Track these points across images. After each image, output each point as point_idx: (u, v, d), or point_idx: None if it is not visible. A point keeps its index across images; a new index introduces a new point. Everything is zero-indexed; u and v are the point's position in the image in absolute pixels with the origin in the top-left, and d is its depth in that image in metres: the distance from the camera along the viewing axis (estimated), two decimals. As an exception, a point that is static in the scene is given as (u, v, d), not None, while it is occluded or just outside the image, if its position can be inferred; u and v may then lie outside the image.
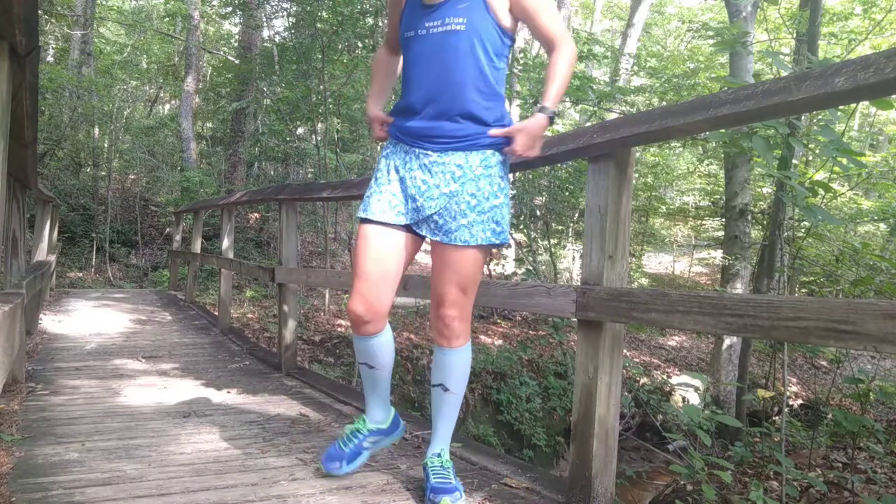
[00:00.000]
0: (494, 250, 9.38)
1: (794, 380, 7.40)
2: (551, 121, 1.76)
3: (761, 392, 4.51)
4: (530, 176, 7.86)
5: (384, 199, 1.84)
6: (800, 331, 1.32)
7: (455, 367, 1.90)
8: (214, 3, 14.20)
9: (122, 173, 13.07)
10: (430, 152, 1.81)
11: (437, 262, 1.85)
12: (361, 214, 1.86)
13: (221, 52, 15.21)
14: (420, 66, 1.80)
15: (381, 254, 1.84)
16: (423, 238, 1.89)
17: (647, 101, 11.26)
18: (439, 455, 1.94)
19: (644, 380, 7.03)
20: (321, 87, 8.42)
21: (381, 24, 8.46)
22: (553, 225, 9.56)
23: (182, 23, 14.84)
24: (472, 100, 1.77)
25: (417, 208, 1.81)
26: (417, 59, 1.80)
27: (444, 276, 1.83)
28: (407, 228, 1.86)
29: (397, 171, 1.85)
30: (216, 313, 6.11)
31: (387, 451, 2.42)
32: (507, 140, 1.80)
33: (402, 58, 1.93)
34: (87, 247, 10.73)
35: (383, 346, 1.95)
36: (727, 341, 6.34)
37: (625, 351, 5.65)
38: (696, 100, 1.61)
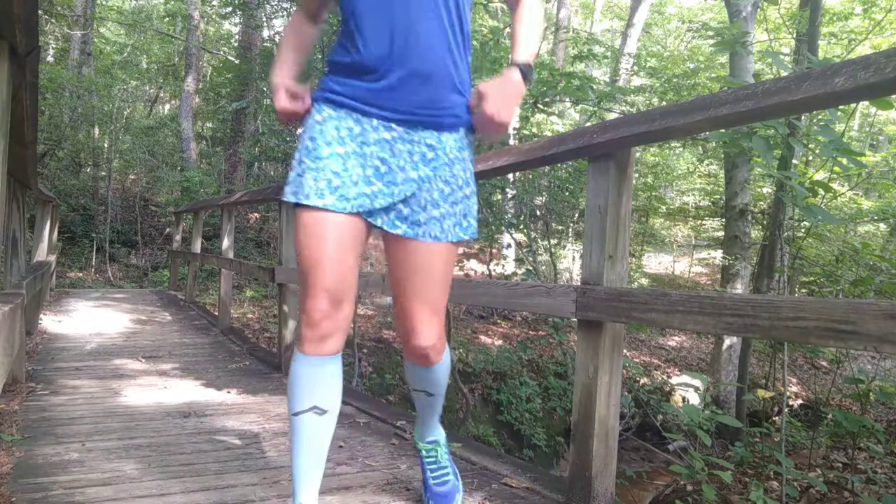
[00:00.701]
0: (494, 251, 9.39)
1: (794, 380, 7.40)
2: (526, 77, 1.44)
3: (761, 392, 4.51)
4: (530, 176, 7.86)
5: (323, 178, 1.40)
6: (800, 331, 1.32)
7: (439, 376, 1.68)
8: (214, 3, 14.20)
9: (122, 173, 13.07)
10: (393, 125, 1.43)
11: (401, 266, 1.49)
12: (294, 199, 1.42)
13: (221, 52, 15.22)
14: (376, 16, 1.41)
15: (335, 241, 1.42)
16: (370, 230, 1.51)
17: (647, 101, 11.26)
18: (433, 446, 1.82)
19: (644, 380, 7.03)
20: (321, 87, 8.40)
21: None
22: (553, 225, 9.56)
23: (182, 23, 14.85)
24: (448, 62, 1.43)
25: (373, 195, 1.42)
26: (372, 8, 1.41)
27: (411, 284, 1.49)
28: (355, 215, 1.44)
29: (342, 142, 1.42)
30: (216, 313, 6.11)
31: (387, 450, 2.42)
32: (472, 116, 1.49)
33: (321, 25, 1.64)
34: (87, 247, 10.73)
35: (339, 375, 1.49)
36: (727, 341, 6.34)
37: (625, 351, 5.65)
38: (696, 100, 1.61)
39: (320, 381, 1.45)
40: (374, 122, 1.43)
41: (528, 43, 1.48)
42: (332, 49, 1.52)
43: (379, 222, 1.45)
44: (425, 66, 1.41)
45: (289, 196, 1.44)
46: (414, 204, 1.44)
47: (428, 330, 1.53)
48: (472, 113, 1.48)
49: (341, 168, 1.41)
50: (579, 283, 1.96)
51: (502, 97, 1.40)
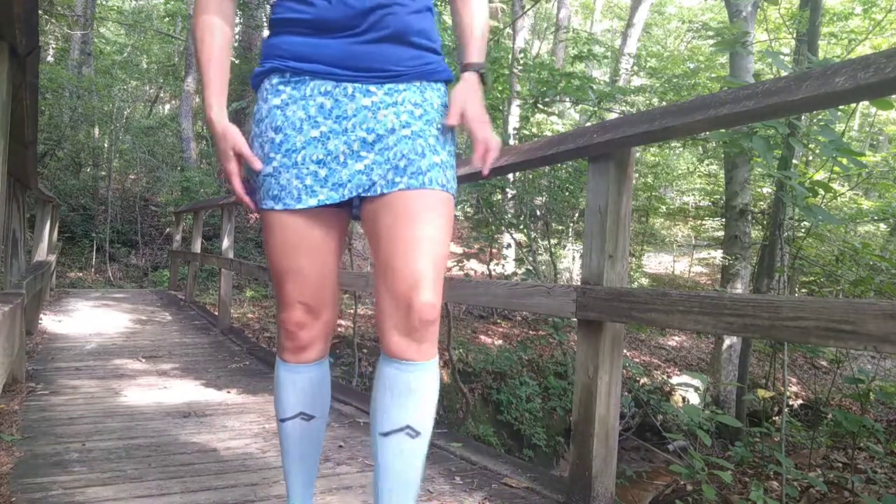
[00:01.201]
0: (494, 251, 9.38)
1: (794, 380, 7.40)
2: (483, 78, 1.31)
3: (761, 392, 4.51)
4: (530, 176, 7.86)
5: (307, 173, 1.22)
6: (800, 331, 1.32)
7: (428, 390, 1.25)
8: (214, 3, 14.14)
9: (122, 173, 13.07)
10: (372, 88, 1.23)
11: (398, 224, 1.22)
12: (270, 204, 1.25)
13: (221, 52, 15.18)
14: None
15: (313, 248, 1.28)
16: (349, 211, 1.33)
17: (647, 101, 11.26)
18: None
19: (644, 380, 7.03)
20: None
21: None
22: (553, 225, 9.55)
23: (182, 23, 14.85)
24: (422, 12, 1.28)
25: (368, 168, 1.22)
26: None
27: (412, 239, 1.21)
28: (338, 205, 1.28)
29: (315, 123, 1.22)
30: (216, 313, 6.11)
31: (387, 451, 2.42)
32: (446, 75, 1.33)
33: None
34: (87, 247, 10.73)
35: (326, 379, 1.41)
36: (727, 341, 6.34)
37: (625, 351, 5.65)
38: (696, 100, 1.61)
39: (305, 387, 1.37)
40: (349, 88, 1.22)
41: (482, 39, 1.33)
42: (277, 3, 1.26)
43: (379, 189, 1.22)
44: (402, 21, 1.23)
45: (268, 203, 1.24)
46: (411, 153, 1.22)
47: (433, 276, 1.22)
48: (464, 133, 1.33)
49: (323, 153, 1.21)
50: (579, 283, 1.96)
51: (481, 115, 1.27)
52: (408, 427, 1.23)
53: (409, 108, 1.25)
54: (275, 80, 1.26)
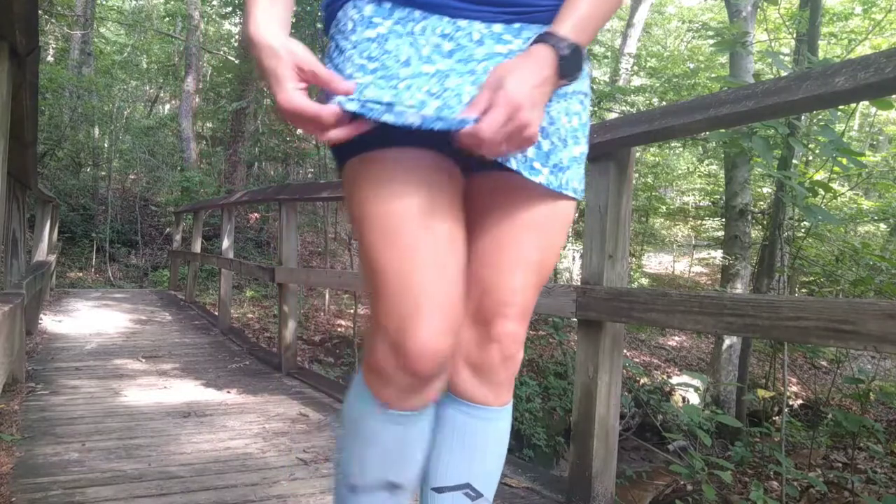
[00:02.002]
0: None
1: (794, 380, 7.40)
2: (567, 64, 0.82)
3: (761, 392, 4.51)
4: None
5: (406, 99, 0.82)
6: (800, 331, 1.32)
7: (499, 443, 1.02)
8: (214, 3, 14.19)
9: (122, 173, 13.08)
10: (506, 35, 0.89)
11: (515, 229, 0.94)
12: (381, 116, 0.80)
13: (221, 52, 15.22)
14: None
15: (447, 215, 0.88)
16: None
17: (647, 101, 11.26)
18: None
19: (644, 380, 7.03)
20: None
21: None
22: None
23: (182, 23, 14.85)
24: None
25: None
26: None
27: (522, 258, 0.94)
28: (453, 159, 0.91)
29: (430, 60, 0.86)
30: (216, 313, 6.11)
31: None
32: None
33: None
34: (87, 247, 10.73)
35: (429, 431, 0.97)
36: (727, 341, 6.34)
37: (625, 351, 5.65)
38: (696, 100, 1.61)
39: (406, 446, 0.93)
40: (475, 33, 0.88)
41: (583, 6, 0.85)
42: None
43: (514, 164, 0.88)
44: None
45: (370, 107, 0.81)
46: (554, 136, 0.90)
47: (524, 316, 0.97)
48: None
49: (439, 87, 0.84)
50: (579, 283, 1.96)
51: (524, 83, 0.79)
52: (468, 486, 0.99)
53: None
54: (367, 10, 0.89)
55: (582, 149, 0.95)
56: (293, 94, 0.80)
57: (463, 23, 0.88)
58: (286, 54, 0.81)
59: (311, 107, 0.80)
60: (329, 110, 0.80)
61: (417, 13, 0.88)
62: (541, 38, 0.83)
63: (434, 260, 0.85)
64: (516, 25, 0.89)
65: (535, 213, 0.94)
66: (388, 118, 0.80)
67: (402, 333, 0.84)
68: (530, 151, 0.89)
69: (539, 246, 0.95)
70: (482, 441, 0.99)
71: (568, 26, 0.84)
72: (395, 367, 0.86)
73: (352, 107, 0.80)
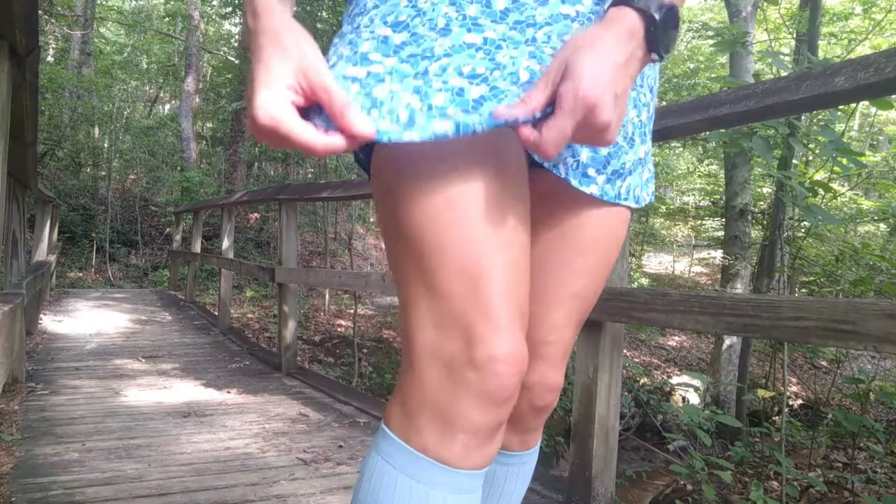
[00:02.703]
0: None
1: (794, 380, 7.40)
2: (658, 32, 0.61)
3: (761, 392, 4.51)
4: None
5: (432, 89, 0.63)
6: (800, 330, 1.32)
7: (520, 489, 0.90)
8: (214, 3, 14.20)
9: (122, 173, 13.08)
10: None
11: (557, 241, 0.79)
12: (401, 138, 0.62)
13: (221, 52, 15.22)
14: None
15: (516, 214, 0.68)
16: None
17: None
18: None
19: (644, 380, 7.03)
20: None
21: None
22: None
23: (182, 23, 14.85)
24: None
25: None
26: None
27: (569, 277, 0.80)
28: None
29: (477, 27, 0.66)
30: (216, 313, 6.11)
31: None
32: None
33: None
34: (87, 247, 10.73)
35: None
36: (727, 341, 6.34)
37: (625, 351, 5.65)
38: (696, 100, 1.61)
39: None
40: None
41: None
42: None
43: (563, 172, 0.73)
44: None
45: (383, 131, 0.62)
46: (619, 134, 0.71)
47: (564, 360, 0.84)
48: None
49: (487, 66, 0.65)
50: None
51: (602, 67, 0.58)
52: None
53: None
54: None
55: (647, 147, 0.79)
56: (278, 102, 0.59)
57: None
58: (294, 49, 0.61)
59: (299, 131, 0.59)
60: (325, 142, 0.60)
61: None
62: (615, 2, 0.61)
63: (508, 259, 0.66)
64: None
65: (587, 231, 0.77)
66: (410, 136, 0.61)
67: (476, 345, 0.63)
68: (584, 154, 0.72)
69: (590, 271, 0.79)
70: (499, 487, 0.86)
71: None
72: (472, 399, 0.63)
73: (388, 137, 0.62)
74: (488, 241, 0.64)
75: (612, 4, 0.62)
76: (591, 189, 0.74)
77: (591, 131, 0.58)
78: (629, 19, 0.60)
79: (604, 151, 0.74)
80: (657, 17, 0.60)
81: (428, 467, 0.65)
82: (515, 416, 0.80)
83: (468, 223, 0.64)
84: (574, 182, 0.73)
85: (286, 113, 0.59)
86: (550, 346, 0.79)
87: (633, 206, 0.79)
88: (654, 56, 0.62)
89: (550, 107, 0.59)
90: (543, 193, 0.77)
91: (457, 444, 0.64)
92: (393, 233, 0.68)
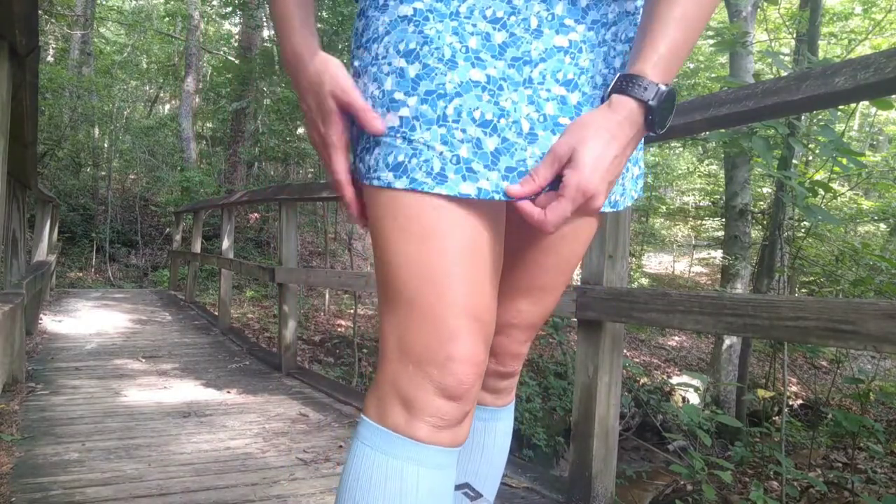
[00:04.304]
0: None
1: (794, 380, 7.40)
2: (656, 116, 0.69)
3: (761, 392, 4.51)
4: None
5: (457, 139, 0.71)
6: (800, 330, 1.32)
7: (499, 444, 1.00)
8: (214, 3, 14.20)
9: (122, 173, 13.08)
10: (568, 20, 0.74)
11: (524, 242, 0.88)
12: (386, 179, 0.73)
13: (221, 52, 15.22)
14: None
15: (494, 260, 0.78)
16: None
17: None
18: None
19: (644, 380, 7.03)
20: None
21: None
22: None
23: (182, 23, 14.85)
24: None
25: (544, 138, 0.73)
26: None
27: (535, 274, 0.89)
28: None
29: (480, 62, 0.71)
30: (216, 313, 6.11)
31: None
32: None
33: None
34: (87, 247, 10.73)
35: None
36: (727, 341, 6.34)
37: (625, 351, 5.65)
38: (695, 100, 1.61)
39: (440, 497, 0.77)
40: (533, 19, 0.73)
41: (674, 44, 0.70)
42: None
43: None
44: None
45: (381, 177, 0.73)
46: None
47: (550, 304, 0.93)
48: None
49: (493, 111, 0.71)
50: (579, 283, 1.96)
51: (601, 161, 0.68)
52: (467, 486, 0.96)
53: (623, 49, 0.78)
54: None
55: (641, 165, 0.86)
56: (334, 150, 0.76)
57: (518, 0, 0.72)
58: (329, 74, 0.73)
59: (342, 179, 0.77)
60: (350, 201, 0.79)
61: None
62: (623, 86, 0.69)
63: (476, 277, 0.75)
64: (583, 3, 0.74)
65: (554, 237, 0.86)
66: (440, 191, 0.71)
67: (437, 347, 0.73)
68: None
69: (553, 267, 0.89)
70: (479, 441, 0.96)
71: (653, 61, 0.69)
72: (431, 391, 0.73)
73: (401, 185, 0.71)
74: (454, 263, 0.72)
75: (615, 90, 0.70)
76: None
77: (583, 210, 0.70)
78: (629, 108, 0.68)
79: None
80: (654, 105, 0.68)
81: (401, 444, 0.73)
82: (488, 379, 0.93)
83: (438, 251, 0.72)
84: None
85: (337, 145, 0.77)
86: (515, 326, 0.92)
87: (607, 209, 0.84)
88: (652, 133, 0.71)
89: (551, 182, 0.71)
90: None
91: (424, 424, 0.74)
92: (378, 253, 0.77)
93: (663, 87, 0.68)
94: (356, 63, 0.79)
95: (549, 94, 0.73)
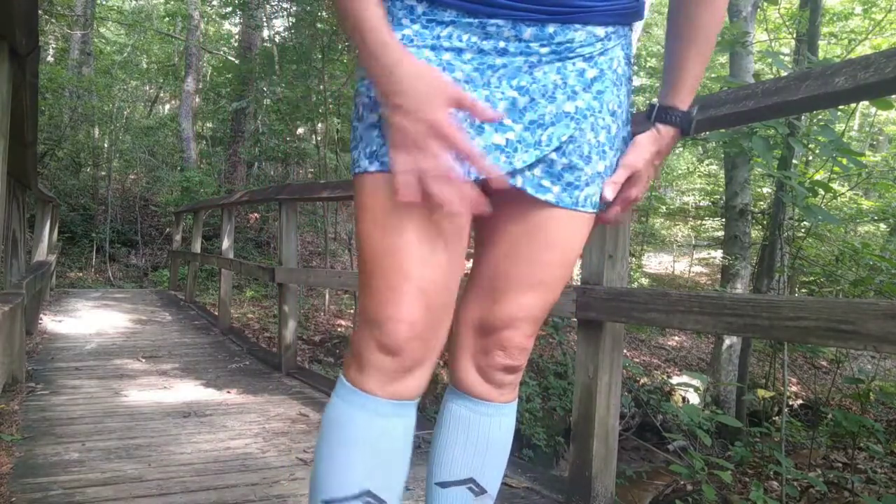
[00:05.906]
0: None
1: (794, 380, 7.40)
2: (686, 130, 0.97)
3: (761, 392, 4.51)
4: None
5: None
6: (800, 331, 1.32)
7: (503, 440, 1.05)
8: (214, 3, 14.20)
9: (122, 173, 13.08)
10: (551, 28, 0.84)
11: (530, 246, 0.94)
12: (365, 165, 0.87)
13: (221, 52, 15.22)
14: None
15: (454, 239, 0.87)
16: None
17: (647, 101, 11.25)
18: None
19: (644, 380, 7.03)
20: (321, 87, 8.42)
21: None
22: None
23: (182, 23, 14.84)
24: None
25: (510, 145, 0.85)
26: None
27: (536, 267, 0.95)
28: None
29: (450, 66, 0.83)
30: (216, 313, 6.11)
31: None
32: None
33: None
34: (87, 247, 10.73)
35: (410, 438, 0.93)
36: (727, 341, 6.34)
37: (625, 351, 5.65)
38: (696, 100, 1.61)
39: (390, 446, 0.88)
40: (504, 30, 0.83)
41: (695, 67, 0.95)
42: None
43: (519, 182, 0.87)
44: None
45: (368, 162, 0.85)
46: (574, 153, 0.88)
47: (542, 308, 0.99)
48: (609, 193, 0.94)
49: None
50: (579, 283, 1.96)
51: (653, 170, 0.97)
52: (472, 481, 1.00)
53: (580, 67, 0.87)
54: (399, 14, 0.85)
55: (607, 161, 0.92)
56: (451, 130, 0.77)
57: (491, 27, 0.83)
58: (433, 71, 0.81)
59: (473, 150, 0.79)
60: (482, 165, 0.80)
61: (454, 13, 0.83)
62: (664, 117, 0.95)
63: (425, 254, 0.85)
64: (550, 29, 0.84)
65: (551, 231, 0.92)
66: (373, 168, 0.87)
67: (380, 309, 0.85)
68: (537, 169, 0.88)
69: (555, 263, 0.95)
70: (485, 436, 1.01)
71: (682, 96, 0.96)
72: (373, 347, 0.86)
73: (373, 168, 0.86)
74: (409, 240, 0.83)
75: (658, 120, 0.96)
76: (548, 197, 0.89)
77: (637, 194, 0.97)
78: (672, 134, 0.96)
79: (558, 167, 0.89)
80: (687, 127, 0.96)
81: (354, 394, 0.87)
82: (492, 373, 1.00)
83: (395, 227, 0.83)
84: (530, 191, 0.88)
85: (450, 126, 0.80)
86: (520, 319, 0.97)
87: (592, 211, 0.94)
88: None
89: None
90: (512, 200, 0.91)
91: (371, 377, 0.86)
92: (356, 233, 0.90)
93: (693, 112, 0.96)
94: (358, 72, 0.91)
95: (502, 96, 0.84)
